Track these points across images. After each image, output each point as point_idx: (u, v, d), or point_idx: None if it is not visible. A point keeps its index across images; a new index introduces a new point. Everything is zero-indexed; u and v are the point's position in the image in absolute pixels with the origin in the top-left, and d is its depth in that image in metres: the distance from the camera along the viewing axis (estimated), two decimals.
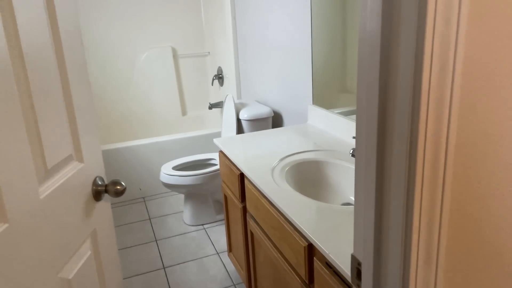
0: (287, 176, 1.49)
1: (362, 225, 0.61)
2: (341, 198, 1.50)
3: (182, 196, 3.07)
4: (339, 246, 1.01)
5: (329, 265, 1.04)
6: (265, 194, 1.36)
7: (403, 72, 0.48)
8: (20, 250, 0.75)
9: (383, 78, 0.50)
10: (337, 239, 1.04)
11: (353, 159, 1.55)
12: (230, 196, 1.87)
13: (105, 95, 3.48)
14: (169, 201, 2.99)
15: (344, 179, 1.52)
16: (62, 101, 0.93)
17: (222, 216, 2.69)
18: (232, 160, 1.69)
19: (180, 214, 2.79)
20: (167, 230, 2.59)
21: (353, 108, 1.77)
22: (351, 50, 1.74)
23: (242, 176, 1.67)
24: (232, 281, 2.05)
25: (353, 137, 1.46)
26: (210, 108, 3.45)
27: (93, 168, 1.07)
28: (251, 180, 1.48)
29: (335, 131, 1.86)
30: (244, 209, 1.71)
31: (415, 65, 0.45)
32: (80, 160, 1.01)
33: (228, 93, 2.66)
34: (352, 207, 1.20)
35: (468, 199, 0.45)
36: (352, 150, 1.45)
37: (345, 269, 0.93)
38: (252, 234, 1.63)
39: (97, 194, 1.07)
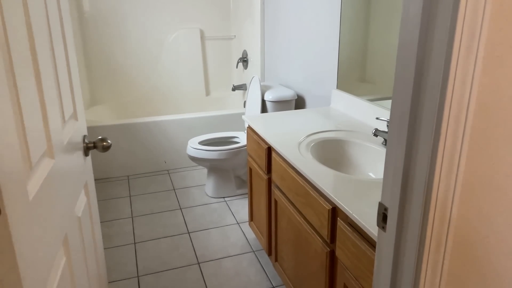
0: (312, 151, 1.63)
1: (392, 176, 0.75)
2: (361, 174, 1.63)
3: (204, 170, 3.24)
4: (360, 208, 1.15)
5: (351, 225, 1.18)
6: (293, 164, 1.50)
7: (436, 46, 0.61)
8: (60, 183, 0.88)
9: (421, 49, 0.63)
10: (358, 202, 1.18)
11: (374, 138, 1.68)
12: (255, 168, 2.02)
13: (134, 72, 3.64)
14: (192, 174, 3.16)
15: (365, 157, 1.66)
16: (65, 62, 1.04)
17: (242, 190, 2.85)
18: (261, 135, 1.83)
19: (202, 186, 2.96)
20: (190, 200, 2.76)
21: (372, 97, 1.89)
22: (372, 42, 1.84)
23: (269, 150, 1.81)
24: (252, 248, 2.22)
25: (377, 118, 1.58)
26: (233, 89, 3.59)
27: (82, 126, 1.19)
28: (280, 153, 1.62)
29: (357, 115, 1.99)
30: (269, 180, 1.86)
31: (447, 42, 0.58)
32: (76, 118, 1.13)
33: (254, 75, 2.79)
34: (371, 179, 1.33)
35: (483, 147, 0.59)
36: (374, 130, 1.58)
37: (367, 226, 1.07)
38: (276, 202, 1.78)
39: (87, 149, 1.19)
